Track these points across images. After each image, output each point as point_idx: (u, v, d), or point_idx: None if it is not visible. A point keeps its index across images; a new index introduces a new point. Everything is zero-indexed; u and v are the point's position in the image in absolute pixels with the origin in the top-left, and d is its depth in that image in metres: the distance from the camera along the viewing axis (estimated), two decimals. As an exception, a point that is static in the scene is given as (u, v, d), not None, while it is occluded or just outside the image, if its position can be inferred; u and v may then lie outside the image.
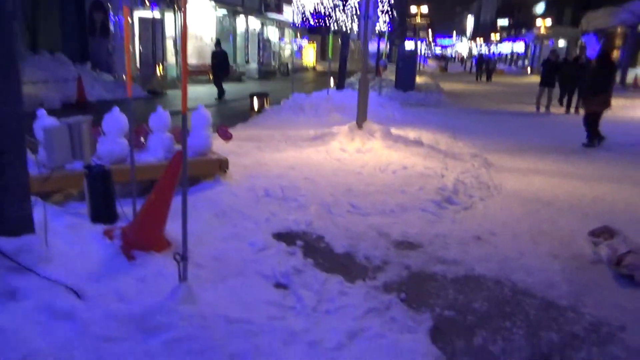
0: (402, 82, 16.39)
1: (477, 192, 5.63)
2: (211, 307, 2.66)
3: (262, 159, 6.44)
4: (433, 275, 3.61)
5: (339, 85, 15.44)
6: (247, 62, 25.56)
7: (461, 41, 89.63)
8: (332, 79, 21.52)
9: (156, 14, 16.93)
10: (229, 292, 2.94)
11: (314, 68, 36.74)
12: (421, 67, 38.24)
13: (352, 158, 6.59)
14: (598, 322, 3.02)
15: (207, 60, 21.80)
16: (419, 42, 31.75)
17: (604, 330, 2.95)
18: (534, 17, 42.87)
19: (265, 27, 28.37)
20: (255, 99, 12.48)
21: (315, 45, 37.10)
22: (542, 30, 38.27)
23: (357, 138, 7.12)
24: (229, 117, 11.32)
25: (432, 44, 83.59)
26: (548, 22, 38.86)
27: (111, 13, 15.50)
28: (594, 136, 8.70)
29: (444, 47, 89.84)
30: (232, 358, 2.38)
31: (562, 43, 37.34)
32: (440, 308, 3.15)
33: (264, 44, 27.58)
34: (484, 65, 28.89)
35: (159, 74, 17.48)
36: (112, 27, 15.59)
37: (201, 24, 21.88)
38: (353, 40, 24.52)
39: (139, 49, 16.33)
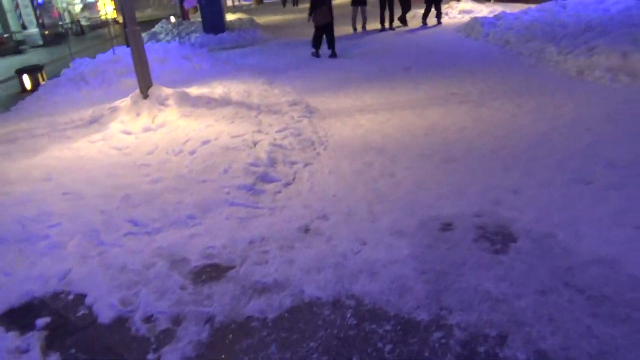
0: (210, 24, 14.44)
1: (299, 155, 4.53)
2: None
3: (2, 175, 4.52)
4: (247, 324, 2.43)
5: (128, 41, 12.99)
6: (24, 26, 20.94)
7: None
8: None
9: None
10: None
11: (116, 21, 32.17)
12: (237, 2, 35.81)
13: (139, 141, 4.99)
14: (472, 337, 2.14)
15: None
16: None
17: None
18: None
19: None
20: (24, 76, 9.78)
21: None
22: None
23: (143, 112, 5.48)
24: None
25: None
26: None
27: None
28: (316, 44, 9.88)
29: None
30: None
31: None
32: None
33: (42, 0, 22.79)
34: None
35: None
36: None
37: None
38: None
39: None
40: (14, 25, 20.23)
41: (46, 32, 20.91)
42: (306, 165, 4.34)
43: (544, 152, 4.08)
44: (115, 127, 5.31)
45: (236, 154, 4.35)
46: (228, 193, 3.75)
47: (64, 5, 26.07)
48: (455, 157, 4.21)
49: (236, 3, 40.11)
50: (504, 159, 4.05)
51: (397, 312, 2.38)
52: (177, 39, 14.30)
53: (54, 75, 9.84)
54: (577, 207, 3.15)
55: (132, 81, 8.33)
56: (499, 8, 13.92)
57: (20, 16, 20.61)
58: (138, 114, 5.48)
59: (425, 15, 12.78)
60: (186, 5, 21.52)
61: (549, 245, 2.75)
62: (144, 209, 3.64)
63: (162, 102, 5.62)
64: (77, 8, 27.31)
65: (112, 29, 27.56)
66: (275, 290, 2.65)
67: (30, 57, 16.34)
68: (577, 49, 7.19)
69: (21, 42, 19.85)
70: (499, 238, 2.90)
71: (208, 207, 3.60)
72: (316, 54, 9.99)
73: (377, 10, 12.78)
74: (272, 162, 4.26)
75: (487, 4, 15.91)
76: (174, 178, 4.05)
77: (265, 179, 4.01)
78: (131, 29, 5.62)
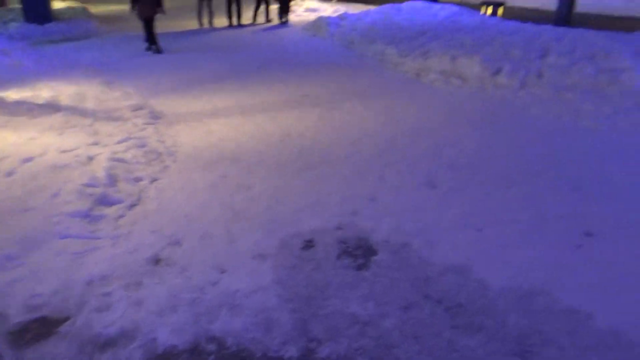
0: (32, 11, 12.56)
1: (145, 169, 4.08)
2: None
3: None
4: (85, 392, 2.04)
5: None
6: None
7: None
8: None
9: None
10: None
11: None
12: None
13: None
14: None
15: None
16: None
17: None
18: None
19: None
20: None
21: None
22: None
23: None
24: None
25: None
26: None
27: None
28: (151, 41, 9.43)
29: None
30: None
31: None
32: None
33: None
34: None
35: None
36: None
37: None
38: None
39: None
40: None
41: None
42: (153, 181, 3.92)
43: (395, 157, 4.24)
44: None
45: (67, 173, 3.74)
46: (58, 223, 3.19)
47: None
48: (312, 164, 4.16)
49: (65, -13, 35.97)
50: (359, 165, 4.11)
51: (264, 352, 2.19)
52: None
53: None
54: (426, 213, 3.30)
55: None
56: (342, 8, 14.50)
57: None
58: None
59: (281, 13, 12.67)
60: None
61: (406, 256, 2.82)
62: (-58, 252, 2.92)
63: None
64: None
65: None
66: (122, 342, 2.28)
67: None
68: (414, 52, 7.73)
69: None
70: (360, 252, 2.88)
71: (33, 242, 3.02)
72: (150, 49, 9.47)
73: (224, 6, 12.40)
74: (113, 181, 3.75)
75: (331, 3, 16.51)
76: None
77: (104, 201, 3.51)
78: None
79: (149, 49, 9.51)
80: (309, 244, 2.99)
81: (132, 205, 3.54)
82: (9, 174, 3.77)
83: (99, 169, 3.85)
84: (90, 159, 4.04)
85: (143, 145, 4.46)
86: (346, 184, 3.78)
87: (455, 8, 11.41)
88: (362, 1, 16.75)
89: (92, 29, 13.09)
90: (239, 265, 2.81)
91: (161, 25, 13.33)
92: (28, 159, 3.98)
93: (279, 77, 7.21)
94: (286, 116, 5.42)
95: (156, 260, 2.89)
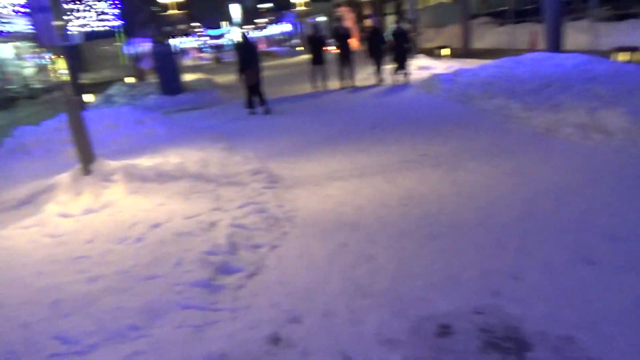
0: (166, 85, 14.05)
1: (264, 236, 3.99)
2: None
3: None
4: None
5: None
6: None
7: (231, 30, 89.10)
8: (90, 95, 18.04)
9: None
10: None
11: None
12: (190, 62, 35.86)
13: (78, 226, 4.33)
14: None
15: None
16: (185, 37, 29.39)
17: None
18: (291, -3, 44.03)
19: (-15, 45, 22.63)
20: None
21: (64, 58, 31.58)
22: (301, 8, 39.44)
23: (85, 190, 4.85)
24: None
25: (204, 37, 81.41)
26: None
27: None
28: (250, 104, 10.37)
29: (215, 37, 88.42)
30: None
31: (321, 18, 38.96)
32: None
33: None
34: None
35: None
36: None
37: None
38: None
39: None
40: (-44, 91, 19.22)
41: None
42: (272, 248, 3.80)
43: (535, 224, 3.70)
44: (51, 209, 4.64)
45: (190, 240, 3.77)
46: (181, 292, 3.15)
47: (14, 69, 25.22)
48: (439, 232, 3.77)
49: (197, 63, 40.32)
50: (494, 233, 3.64)
51: None
52: (131, 102, 13.79)
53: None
54: (589, 298, 2.72)
55: (79, 150, 7.70)
56: (454, 64, 14.22)
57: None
58: (78, 193, 4.84)
59: (397, 71, 12.45)
60: (143, 66, 21.18)
61: (574, 356, 2.28)
62: (76, 319, 2.98)
63: (107, 178, 5.02)
64: (29, 71, 26.43)
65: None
66: None
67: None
68: (542, 105, 7.11)
69: (-36, 108, 18.83)
70: (510, 345, 2.40)
71: (155, 312, 2.98)
72: (254, 113, 10.34)
73: (337, 68, 12.75)
74: (233, 248, 3.69)
75: (443, 60, 16.32)
76: (115, 275, 3.41)
77: (225, 269, 3.43)
78: (68, 98, 5.07)
79: (252, 113, 10.29)
80: (444, 330, 2.58)
81: (251, 275, 3.41)
82: (139, 239, 3.89)
83: (220, 235, 3.82)
84: (212, 225, 4.06)
85: (262, 211, 4.42)
86: (482, 256, 3.32)
87: (583, 57, 10.53)
88: (475, 57, 16.35)
89: (216, 98, 14.19)
90: (365, 352, 2.48)
91: (276, 91, 14.11)
92: (156, 225, 4.10)
93: (394, 136, 7.01)
94: (405, 178, 5.13)
95: (275, 340, 2.67)
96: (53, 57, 12.28)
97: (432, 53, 17.90)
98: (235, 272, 3.43)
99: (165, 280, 3.29)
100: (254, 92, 10.26)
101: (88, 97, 18.01)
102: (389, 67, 12.67)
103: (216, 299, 3.12)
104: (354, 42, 13.84)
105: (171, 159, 6.30)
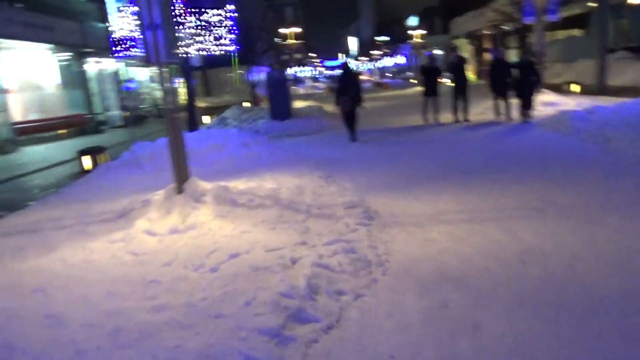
0: (276, 110, 14.30)
1: (350, 281, 3.46)
2: None
3: (4, 274, 3.83)
4: None
5: (191, 126, 12.96)
6: (107, 109, 22.24)
7: (348, 61, 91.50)
8: (207, 117, 19.13)
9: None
10: None
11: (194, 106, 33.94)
12: (303, 90, 36.87)
13: (160, 247, 4.16)
14: None
15: (52, 113, 18.46)
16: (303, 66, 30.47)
17: None
18: (409, 30, 43.85)
19: (126, 68, 25.24)
20: (84, 157, 9.70)
21: (186, 80, 34.47)
22: (417, 41, 39.04)
23: (175, 209, 4.73)
24: (43, 187, 8.43)
25: (321, 67, 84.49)
26: (421, 32, 39.86)
27: None
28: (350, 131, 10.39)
29: (331, 68, 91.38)
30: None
31: (437, 51, 38.22)
32: None
33: (126, 86, 24.38)
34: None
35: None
36: None
37: (39, 71, 18.44)
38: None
39: None
40: (97, 107, 21.49)
41: (126, 114, 22.04)
42: (357, 297, 3.25)
43: None
44: (140, 225, 4.56)
45: (267, 277, 3.36)
46: (245, 339, 2.71)
47: (147, 90, 27.79)
48: (571, 303, 2.96)
49: (310, 91, 41.52)
50: (649, 317, 2.74)
51: None
52: (242, 125, 14.22)
53: (117, 157, 9.66)
54: None
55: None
56: (585, 101, 12.72)
57: (104, 99, 21.96)
58: (169, 212, 4.73)
59: (523, 108, 10.83)
60: (259, 92, 22.10)
61: None
62: (131, 352, 2.68)
63: (198, 199, 4.86)
64: (160, 93, 29.04)
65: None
66: None
67: (107, 137, 16.97)
68: None
69: (102, 123, 20.93)
70: None
71: (214, 359, 2.57)
72: (355, 139, 10.32)
73: (450, 101, 12.00)
74: (313, 292, 3.21)
75: (570, 96, 14.73)
76: (182, 307, 3.09)
77: (299, 317, 2.95)
78: (170, 116, 5.04)
79: (353, 139, 10.31)
80: None
81: (328, 328, 2.89)
82: (214, 269, 3.57)
83: (300, 276, 3.37)
84: (294, 262, 3.63)
85: (352, 251, 3.90)
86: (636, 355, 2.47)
87: None
88: (610, 94, 14.56)
89: (323, 125, 14.09)
90: None
91: (385, 121, 13.67)
92: (234, 255, 3.76)
93: (512, 177, 6.13)
94: (525, 228, 4.30)
95: None
96: (182, 81, 12.95)
97: (560, 89, 16.32)
98: (311, 321, 2.94)
99: (232, 321, 2.89)
100: (349, 119, 10.33)
101: (206, 119, 19.11)
102: (510, 101, 11.51)
103: (283, 354, 2.63)
104: (470, 75, 13.00)
105: (267, 183, 6.07)
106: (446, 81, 12.85)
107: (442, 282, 3.41)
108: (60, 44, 18.46)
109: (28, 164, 11.94)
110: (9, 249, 4.56)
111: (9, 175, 10.40)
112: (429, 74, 12.05)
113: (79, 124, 19.22)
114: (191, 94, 13.55)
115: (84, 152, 9.81)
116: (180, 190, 4.95)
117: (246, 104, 21.99)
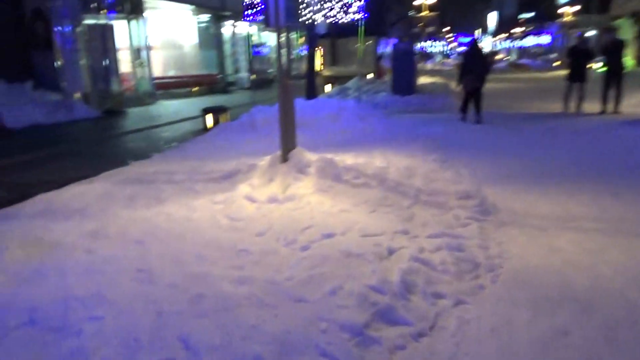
0: (399, 85, 13.71)
1: (451, 284, 3.04)
2: None
3: (113, 221, 4.02)
4: None
5: (309, 94, 12.89)
6: (237, 71, 23.30)
7: (483, 39, 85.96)
8: (329, 85, 19.14)
9: (109, 21, 14.75)
10: None
11: (319, 73, 34.39)
12: (432, 66, 35.27)
13: (257, 214, 4.06)
14: None
15: (188, 71, 19.77)
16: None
17: None
18: (558, 7, 39.59)
19: (259, 32, 26.11)
20: (207, 116, 10.17)
21: (322, 49, 34.88)
22: (568, 20, 35.04)
23: (277, 178, 4.61)
24: (168, 140, 8.98)
25: (452, 42, 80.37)
26: (574, 10, 35.68)
27: (55, 22, 13.36)
28: (464, 110, 9.85)
29: (465, 44, 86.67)
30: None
31: (590, 32, 33.98)
32: None
33: (257, 50, 25.28)
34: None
35: (122, 90, 15.33)
36: (56, 39, 13.45)
37: (179, 31, 19.76)
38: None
39: (89, 62, 14.15)
40: (228, 69, 22.58)
41: (253, 77, 22.91)
42: (458, 303, 2.84)
43: None
44: (242, 190, 4.52)
45: (358, 265, 3.06)
46: (324, 332, 2.47)
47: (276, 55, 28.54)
48: None
49: (438, 67, 39.72)
50: None
51: None
52: (362, 96, 13.90)
53: (237, 118, 9.97)
54: None
55: (297, 134, 7.80)
56: None
57: (235, 62, 23.00)
58: (271, 180, 4.63)
59: None
60: (384, 64, 21.51)
61: None
62: (208, 324, 2.58)
63: (301, 170, 4.69)
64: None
65: (316, 79, 29.36)
66: None
67: (232, 98, 17.77)
68: None
69: (231, 84, 22.01)
70: None
71: (287, 348, 2.36)
72: (465, 119, 9.85)
73: (600, 89, 10.46)
74: (407, 291, 2.86)
75: None
76: (265, 284, 2.93)
77: (387, 317, 2.63)
78: (283, 82, 4.88)
79: (463, 118, 9.82)
80: None
81: (419, 335, 2.54)
82: (305, 248, 3.37)
83: (395, 269, 3.02)
84: (391, 252, 3.28)
85: (458, 248, 3.45)
86: None
87: None
88: None
89: (447, 104, 13.22)
90: None
91: (516, 106, 12.44)
92: (328, 235, 3.52)
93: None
94: (684, 252, 3.47)
95: None
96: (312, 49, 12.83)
97: None
98: (400, 324, 2.60)
99: (313, 309, 2.66)
100: (472, 99, 9.82)
101: (327, 88, 19.11)
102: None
103: (363, 357, 2.34)
104: (629, 60, 11.21)
105: (376, 161, 5.73)
106: (597, 66, 11.21)
107: (565, 302, 2.84)
108: (201, 6, 19.53)
109: (161, 117, 12.91)
110: (123, 198, 4.82)
111: (143, 125, 11.31)
112: (577, 57, 10.62)
113: (210, 83, 20.41)
114: (312, 61, 13.53)
115: (207, 111, 10.27)
116: (285, 158, 4.82)
117: (370, 76, 21.61)
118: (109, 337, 2.50)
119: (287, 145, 4.87)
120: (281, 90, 4.92)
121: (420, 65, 25.51)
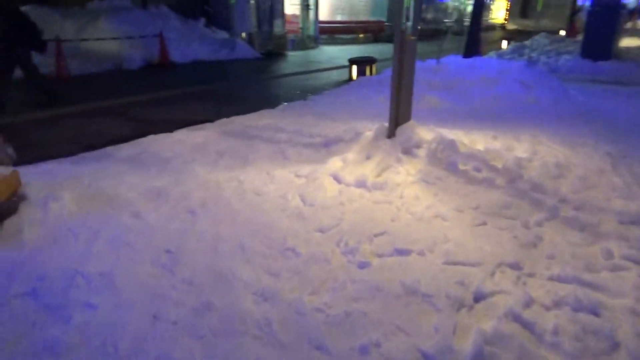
0: (591, 46, 11.09)
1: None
2: None
3: (184, 181, 3.67)
4: None
5: (468, 51, 11.17)
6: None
7: None
8: (505, 42, 16.79)
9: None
10: None
11: (502, 26, 30.83)
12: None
13: (333, 202, 3.29)
14: None
15: (357, 16, 19.08)
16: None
17: None
18: None
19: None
20: (352, 67, 9.50)
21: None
22: None
23: (376, 157, 3.73)
24: (306, 89, 8.56)
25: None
26: None
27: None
28: None
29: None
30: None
31: None
32: None
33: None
34: None
35: (284, 32, 15.35)
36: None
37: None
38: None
39: (258, 3, 14.29)
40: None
41: (420, 28, 21.25)
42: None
43: None
44: (332, 165, 3.78)
45: (419, 312, 2.15)
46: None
47: (455, 4, 26.08)
48: None
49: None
50: None
51: None
52: (541, 58, 11.72)
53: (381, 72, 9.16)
54: None
55: (436, 100, 6.70)
56: None
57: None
58: (368, 157, 3.79)
59: None
60: (582, 20, 18.04)
61: None
62: (196, 351, 2.01)
63: (408, 150, 3.74)
64: (467, 9, 26.95)
65: (494, 34, 26.27)
66: None
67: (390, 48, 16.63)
68: None
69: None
70: None
71: None
72: None
73: None
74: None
75: None
76: (289, 309, 2.23)
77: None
78: (402, 38, 3.88)
79: None
80: None
81: None
82: (363, 265, 2.53)
83: (472, 331, 2.05)
84: (477, 299, 2.28)
85: (592, 309, 2.29)
86: None
87: None
88: None
89: None
90: None
91: None
92: (401, 252, 2.61)
93: None
94: None
95: None
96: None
97: None
98: None
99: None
100: None
101: (503, 44, 16.74)
102: None
103: None
104: None
105: (519, 148, 4.45)
106: None
107: None
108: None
109: (315, 63, 12.56)
110: (213, 152, 4.47)
111: (293, 70, 11.09)
112: None
113: (376, 31, 19.46)
114: (479, 8, 11.72)
115: (353, 62, 9.56)
116: (391, 134, 3.91)
117: (561, 33, 18.44)
118: (88, 337, 2.10)
119: (396, 117, 3.94)
120: (398, 49, 3.95)
121: (630, 25, 20.80)
